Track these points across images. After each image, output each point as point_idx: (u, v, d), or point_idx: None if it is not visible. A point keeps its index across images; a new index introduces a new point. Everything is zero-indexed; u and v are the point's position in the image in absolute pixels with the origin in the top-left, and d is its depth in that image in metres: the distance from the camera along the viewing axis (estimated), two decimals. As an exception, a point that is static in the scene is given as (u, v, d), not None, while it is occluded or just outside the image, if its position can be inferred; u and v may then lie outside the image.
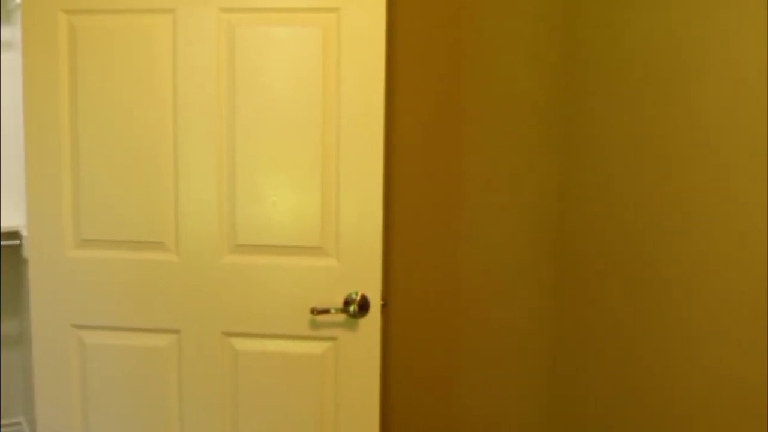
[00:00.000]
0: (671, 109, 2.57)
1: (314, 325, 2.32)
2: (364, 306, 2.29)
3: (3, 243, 3.58)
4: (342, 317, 2.30)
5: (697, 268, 2.52)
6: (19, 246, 3.62)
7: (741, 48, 2.38)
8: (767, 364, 2.31)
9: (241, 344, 2.36)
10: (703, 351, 2.49)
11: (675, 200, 2.60)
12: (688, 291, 2.55)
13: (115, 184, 2.34)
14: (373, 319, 2.31)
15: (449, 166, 2.80)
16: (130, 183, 2.33)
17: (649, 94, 2.64)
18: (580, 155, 2.88)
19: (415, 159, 2.74)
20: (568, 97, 2.90)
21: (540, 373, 3.02)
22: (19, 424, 3.86)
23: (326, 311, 2.28)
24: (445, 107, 2.76)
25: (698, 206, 2.51)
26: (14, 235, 3.62)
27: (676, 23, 2.56)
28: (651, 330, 2.70)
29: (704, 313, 2.52)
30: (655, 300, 2.67)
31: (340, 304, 2.30)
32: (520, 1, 2.82)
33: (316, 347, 2.34)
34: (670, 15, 2.56)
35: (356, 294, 2.30)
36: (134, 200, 2.33)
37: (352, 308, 2.29)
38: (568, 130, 2.91)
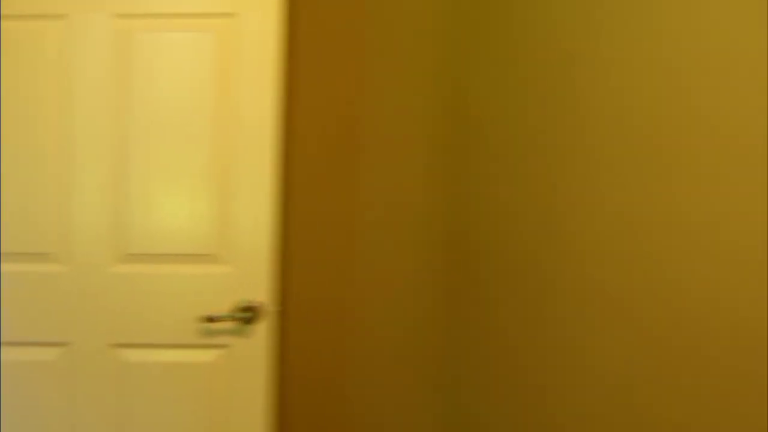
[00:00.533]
0: (556, 112, 2.63)
1: (207, 333, 2.28)
2: (256, 313, 2.26)
3: None
4: (234, 324, 2.26)
5: (580, 269, 2.55)
6: None
7: (625, 55, 2.45)
8: (646, 363, 2.34)
9: (133, 355, 2.30)
10: (587, 351, 2.51)
11: (561, 201, 2.64)
12: (571, 292, 2.58)
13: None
14: (265, 326, 2.27)
15: (346, 173, 2.80)
16: (17, 192, 2.27)
17: (535, 98, 2.69)
18: (469, 160, 2.91)
19: (313, 167, 2.74)
20: (457, 101, 2.94)
21: (431, 376, 3.01)
22: None
23: (219, 319, 2.24)
24: (343, 116, 2.77)
25: (582, 207, 2.55)
26: None
27: (561, 29, 2.63)
28: (537, 331, 2.72)
29: (587, 314, 2.56)
30: (541, 302, 2.70)
31: (232, 311, 2.26)
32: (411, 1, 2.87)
33: (208, 355, 2.29)
34: (556, 24, 2.63)
35: (249, 301, 2.26)
36: (19, 210, 2.27)
37: (244, 315, 2.25)
38: (458, 134, 2.95)
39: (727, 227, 2.24)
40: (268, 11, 2.25)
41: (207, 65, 2.26)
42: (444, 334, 3.05)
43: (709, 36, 2.31)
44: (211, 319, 2.23)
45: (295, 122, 2.66)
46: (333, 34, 2.70)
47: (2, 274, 2.28)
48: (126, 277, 2.29)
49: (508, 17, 2.79)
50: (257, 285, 2.27)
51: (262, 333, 2.28)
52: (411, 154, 2.89)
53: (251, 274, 2.27)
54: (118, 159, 2.27)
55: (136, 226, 2.26)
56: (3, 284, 2.27)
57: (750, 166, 2.17)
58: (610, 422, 2.50)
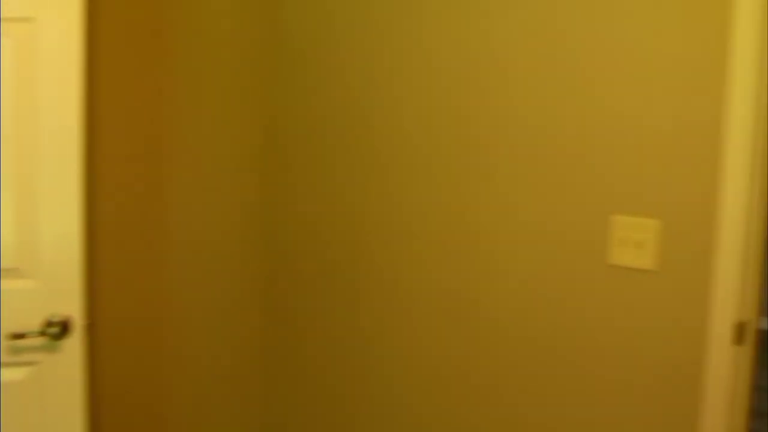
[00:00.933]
0: (366, 118, 2.68)
1: (15, 350, 2.19)
2: (66, 328, 2.20)
3: None
4: (44, 340, 2.19)
5: (386, 275, 2.63)
6: None
7: (422, 69, 2.52)
8: (459, 356, 2.44)
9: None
10: (404, 343, 2.58)
11: (366, 214, 2.70)
12: (379, 298, 2.65)
13: None
14: (76, 341, 2.22)
15: (153, 185, 2.76)
16: None
17: (341, 115, 2.73)
18: (283, 175, 2.93)
19: (121, 177, 2.68)
20: (269, 118, 2.95)
21: (247, 387, 3.03)
22: None
23: (26, 335, 2.16)
24: (148, 126, 2.72)
25: (383, 215, 2.63)
26: None
27: (360, 53, 2.68)
28: (348, 340, 2.77)
29: (396, 320, 2.63)
30: (354, 311, 2.76)
31: (40, 326, 2.19)
32: None
33: (15, 373, 2.21)
34: (356, 48, 2.67)
35: (58, 315, 2.20)
36: None
37: (53, 330, 2.18)
38: (271, 150, 2.96)
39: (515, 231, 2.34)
40: (69, 17, 2.18)
41: (6, 71, 2.16)
42: (259, 345, 3.06)
43: (496, 39, 2.40)
44: (18, 336, 2.16)
45: (100, 130, 2.59)
46: (137, 44, 2.65)
47: None
48: None
49: (316, 39, 2.80)
50: (66, 299, 2.20)
51: (73, 348, 2.22)
52: (222, 168, 2.87)
53: (59, 287, 2.20)
54: None
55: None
56: None
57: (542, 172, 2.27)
58: (428, 420, 2.58)
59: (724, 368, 2.06)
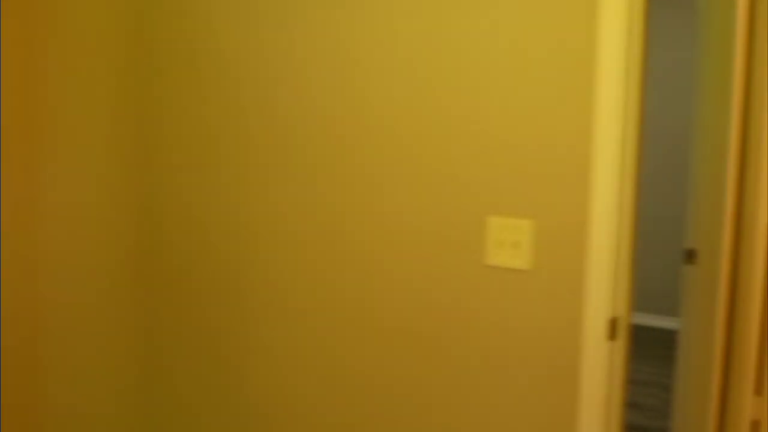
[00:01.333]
0: (244, 117, 2.64)
1: None
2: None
3: None
4: None
5: (263, 273, 2.60)
6: None
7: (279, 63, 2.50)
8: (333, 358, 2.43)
9: None
10: (277, 344, 2.56)
11: (257, 205, 2.67)
12: (254, 293, 2.62)
13: None
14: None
15: (25, 191, 2.65)
16: None
17: (216, 114, 2.69)
18: (158, 171, 2.86)
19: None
20: (144, 110, 2.88)
21: (131, 374, 2.95)
22: None
23: None
24: (20, 110, 2.61)
25: (263, 215, 2.60)
26: None
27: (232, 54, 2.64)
28: (226, 329, 2.73)
29: (271, 314, 2.61)
30: (233, 306, 2.72)
31: None
32: None
33: None
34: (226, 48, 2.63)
35: None
36: None
37: None
38: (144, 144, 2.88)
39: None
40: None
41: None
42: (142, 336, 2.97)
43: (366, 41, 2.41)
44: None
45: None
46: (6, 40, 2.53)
47: None
48: None
49: (195, 38, 2.75)
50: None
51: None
52: (94, 161, 2.78)
53: None
54: None
55: None
56: None
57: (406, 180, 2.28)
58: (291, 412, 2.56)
59: (598, 363, 2.11)
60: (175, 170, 2.82)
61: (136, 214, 2.92)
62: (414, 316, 2.37)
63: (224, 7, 2.65)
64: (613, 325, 2.12)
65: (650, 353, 5.89)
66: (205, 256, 2.78)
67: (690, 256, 3.52)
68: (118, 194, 2.87)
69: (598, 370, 2.11)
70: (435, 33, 2.26)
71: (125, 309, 2.95)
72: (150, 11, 2.83)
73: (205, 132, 2.73)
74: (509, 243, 2.19)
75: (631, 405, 4.85)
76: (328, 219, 2.49)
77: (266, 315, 2.66)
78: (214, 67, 2.69)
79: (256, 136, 2.61)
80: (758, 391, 3.76)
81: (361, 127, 2.41)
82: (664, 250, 6.55)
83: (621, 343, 2.16)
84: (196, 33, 2.73)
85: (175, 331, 2.90)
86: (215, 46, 2.69)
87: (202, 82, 2.72)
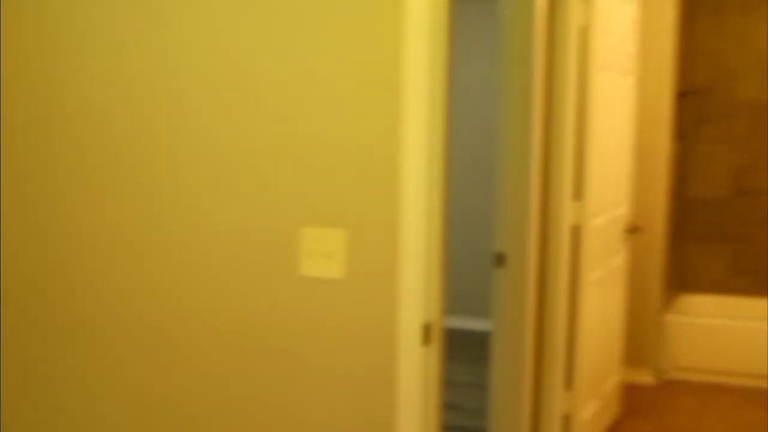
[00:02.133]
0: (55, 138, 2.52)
1: None
2: None
3: None
4: None
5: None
6: None
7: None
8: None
9: None
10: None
11: (79, 215, 2.55)
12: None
13: None
14: None
15: None
16: None
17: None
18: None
19: None
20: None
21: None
22: None
23: None
24: None
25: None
26: None
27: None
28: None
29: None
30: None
31: None
32: None
33: None
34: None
35: None
36: None
37: None
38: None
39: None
40: None
41: None
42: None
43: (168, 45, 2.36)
44: None
45: None
46: None
47: None
48: None
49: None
50: None
51: None
52: None
53: None
54: None
55: None
56: None
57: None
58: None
59: (414, 368, 2.15)
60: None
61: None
62: (230, 330, 2.32)
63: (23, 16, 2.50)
64: (427, 330, 2.15)
65: (467, 354, 6.08)
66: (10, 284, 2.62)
67: (499, 259, 3.66)
68: None
69: (414, 374, 2.14)
70: (243, 45, 2.23)
71: None
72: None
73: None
74: (322, 253, 2.19)
75: (450, 406, 4.98)
76: (134, 235, 2.40)
77: (73, 343, 2.53)
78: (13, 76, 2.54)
79: (58, 154, 2.48)
80: (568, 386, 3.97)
81: (169, 138, 2.34)
82: (477, 254, 6.77)
83: (436, 347, 2.21)
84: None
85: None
86: (14, 57, 2.53)
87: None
